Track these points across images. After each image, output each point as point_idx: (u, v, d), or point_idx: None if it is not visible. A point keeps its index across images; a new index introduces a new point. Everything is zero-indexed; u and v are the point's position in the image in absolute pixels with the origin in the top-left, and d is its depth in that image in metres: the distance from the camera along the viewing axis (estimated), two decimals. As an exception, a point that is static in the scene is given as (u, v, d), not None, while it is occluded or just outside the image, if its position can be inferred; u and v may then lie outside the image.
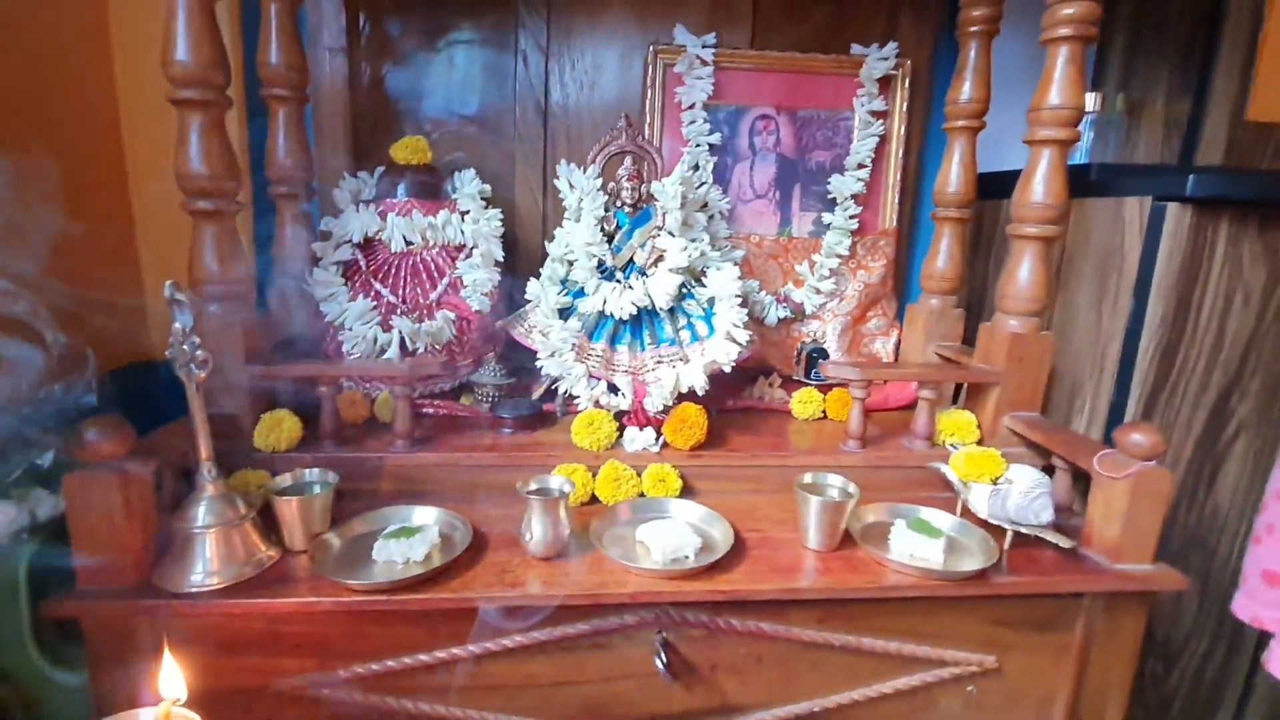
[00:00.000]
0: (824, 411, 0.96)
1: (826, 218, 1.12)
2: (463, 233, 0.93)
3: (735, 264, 1.05)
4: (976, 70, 0.94)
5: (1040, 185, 0.78)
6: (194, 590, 0.60)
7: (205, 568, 0.61)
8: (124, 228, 1.01)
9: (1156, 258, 0.80)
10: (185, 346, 0.59)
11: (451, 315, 0.89)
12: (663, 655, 0.63)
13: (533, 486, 0.67)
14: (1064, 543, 0.69)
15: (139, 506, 0.60)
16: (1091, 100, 1.10)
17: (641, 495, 0.77)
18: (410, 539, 0.64)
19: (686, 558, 0.65)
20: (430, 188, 0.97)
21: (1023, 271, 0.81)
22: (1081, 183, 0.91)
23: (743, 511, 0.76)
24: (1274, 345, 0.84)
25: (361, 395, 0.87)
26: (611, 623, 0.64)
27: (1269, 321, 0.83)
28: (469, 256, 0.93)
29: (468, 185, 0.97)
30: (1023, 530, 0.70)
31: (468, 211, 0.94)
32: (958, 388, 0.97)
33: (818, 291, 1.12)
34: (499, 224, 0.95)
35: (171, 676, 0.48)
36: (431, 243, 0.92)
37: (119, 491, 0.58)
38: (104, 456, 0.59)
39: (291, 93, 0.91)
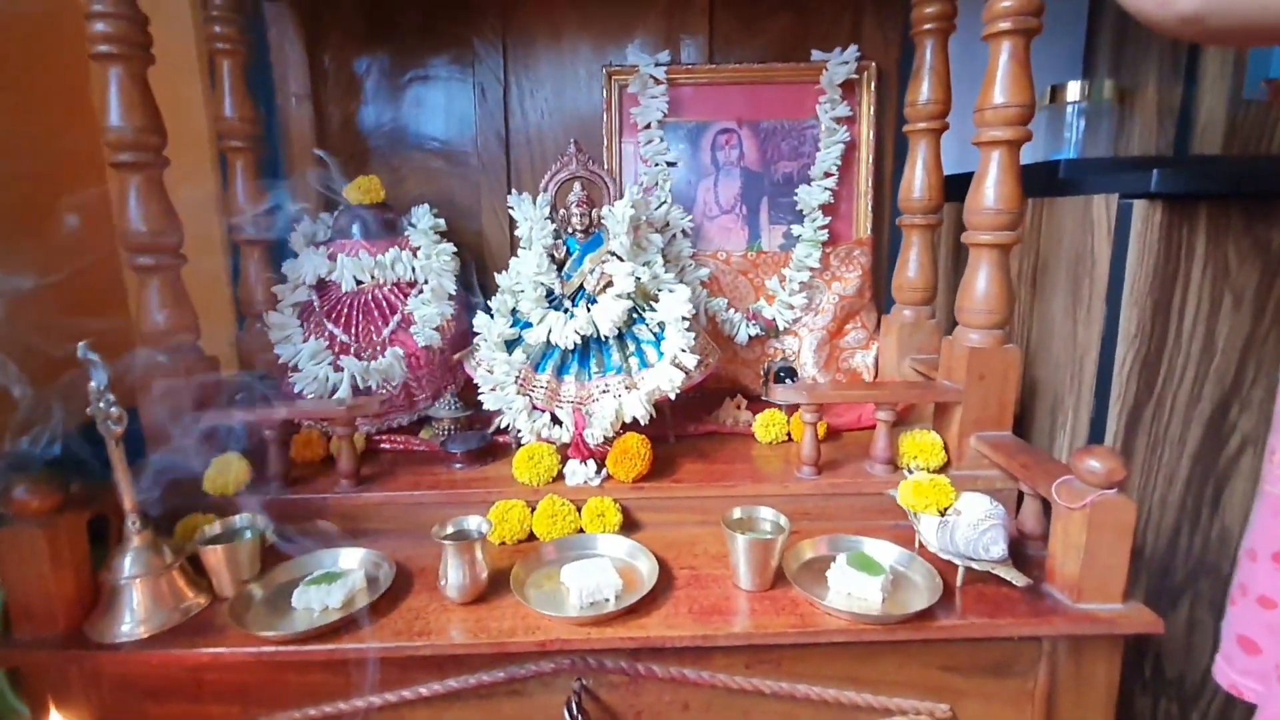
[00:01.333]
0: (788, 434, 0.92)
1: (796, 229, 1.08)
2: (412, 269, 0.94)
3: (698, 283, 1.04)
4: (934, 70, 0.89)
5: (991, 189, 0.73)
6: (120, 641, 0.61)
7: (133, 617, 0.62)
8: (115, 281, 1.06)
9: (1126, 259, 0.73)
10: (101, 404, 0.61)
11: (400, 352, 0.90)
12: (573, 708, 0.61)
13: (449, 530, 0.66)
14: (1018, 580, 0.63)
15: (69, 558, 0.62)
16: (1077, 89, 1.03)
17: (580, 532, 0.76)
18: (330, 585, 0.64)
19: (606, 600, 0.63)
20: (387, 225, 0.98)
21: (980, 281, 0.76)
22: (1051, 181, 0.85)
23: (681, 545, 0.74)
24: (1277, 350, 0.76)
25: (319, 434, 0.89)
26: (528, 669, 0.62)
27: (1268, 324, 0.75)
28: (420, 293, 0.94)
29: (420, 221, 0.98)
30: (974, 566, 0.65)
31: (420, 247, 0.95)
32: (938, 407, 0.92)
33: (789, 306, 1.08)
34: (450, 258, 0.96)
35: (61, 734, 0.49)
36: (382, 280, 0.93)
37: (46, 544, 0.61)
38: (31, 512, 0.61)
39: (246, 143, 0.94)
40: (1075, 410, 0.82)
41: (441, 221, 1.00)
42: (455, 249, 0.98)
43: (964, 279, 0.77)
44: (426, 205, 1.01)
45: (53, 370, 0.81)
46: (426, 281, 0.94)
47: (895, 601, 0.63)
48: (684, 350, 0.84)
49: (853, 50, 1.03)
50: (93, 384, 0.61)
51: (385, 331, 0.92)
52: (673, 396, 0.83)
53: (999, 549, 0.63)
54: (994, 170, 0.73)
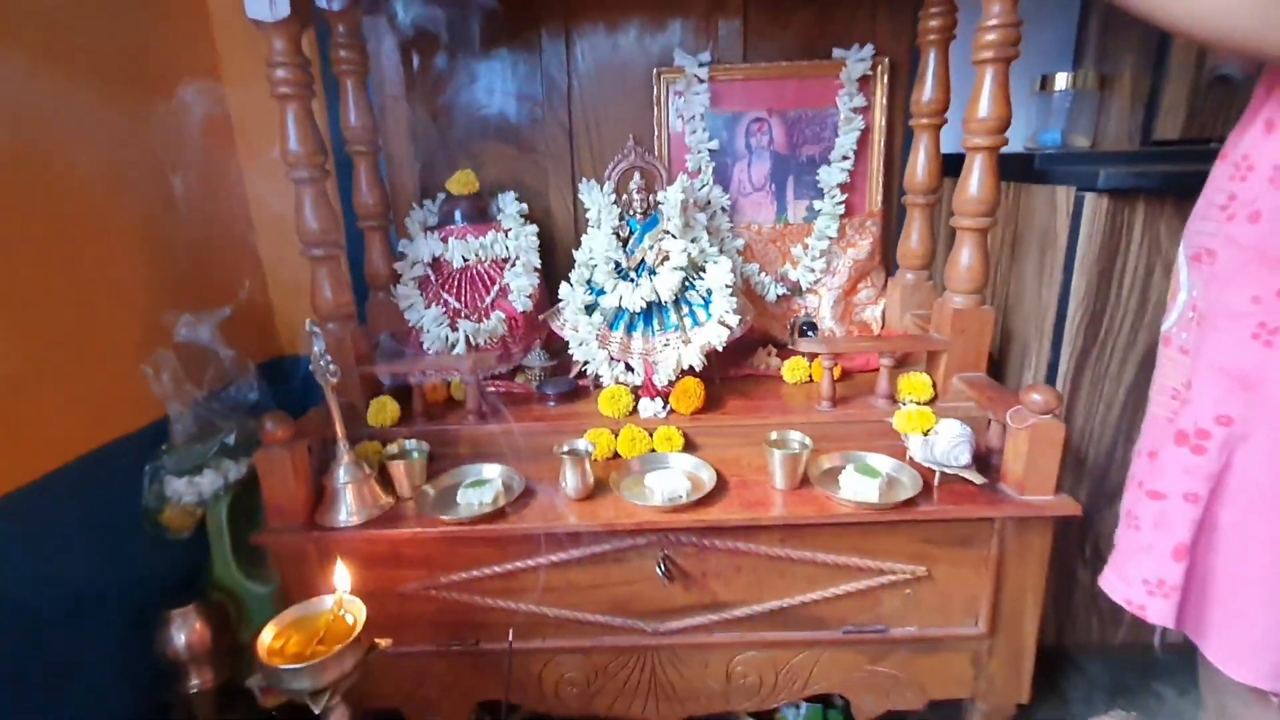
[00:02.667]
0: (810, 376, 1.15)
1: (817, 204, 1.28)
2: (507, 248, 1.16)
3: (736, 252, 1.25)
4: (936, 74, 1.07)
5: (975, 184, 0.93)
6: (341, 526, 0.88)
7: (347, 510, 0.89)
8: (256, 269, 1.30)
9: (1079, 239, 0.94)
10: (322, 363, 0.86)
11: (502, 315, 1.14)
12: (662, 566, 0.87)
13: (565, 448, 0.91)
14: (976, 479, 0.87)
15: (302, 470, 0.89)
16: (1064, 79, 1.20)
17: (652, 451, 1.01)
18: (482, 488, 0.91)
19: (680, 497, 0.88)
20: (480, 210, 1.20)
21: (964, 256, 0.97)
22: (1027, 170, 1.04)
23: (730, 461, 0.98)
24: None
25: (442, 382, 1.14)
26: (626, 543, 0.88)
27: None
28: (513, 267, 1.17)
29: (509, 207, 1.20)
30: (947, 471, 0.89)
31: (509, 229, 1.17)
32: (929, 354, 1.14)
33: (811, 270, 1.29)
34: (534, 238, 1.18)
35: (342, 575, 0.76)
36: (483, 258, 1.16)
37: (290, 463, 0.87)
38: (277, 440, 0.87)
39: (368, 147, 1.16)
40: (1038, 355, 1.04)
41: (525, 206, 1.22)
42: (537, 229, 1.20)
43: (951, 254, 0.98)
44: (512, 193, 1.22)
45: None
46: (517, 258, 1.17)
47: (889, 496, 0.88)
48: (728, 312, 1.06)
49: (869, 49, 1.20)
50: (315, 349, 0.85)
51: (488, 299, 1.16)
52: (720, 349, 1.06)
53: (966, 458, 0.87)
54: (977, 170, 0.92)
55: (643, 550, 0.89)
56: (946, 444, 0.88)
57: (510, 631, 0.85)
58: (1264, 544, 0.66)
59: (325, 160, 0.97)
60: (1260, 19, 0.55)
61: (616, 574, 0.90)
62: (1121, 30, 1.16)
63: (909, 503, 0.86)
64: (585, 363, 1.10)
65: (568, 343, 1.11)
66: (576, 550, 0.88)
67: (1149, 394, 0.77)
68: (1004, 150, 0.91)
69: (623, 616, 0.92)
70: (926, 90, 1.08)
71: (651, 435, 1.02)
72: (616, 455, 1.01)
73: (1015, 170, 1.06)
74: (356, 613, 0.73)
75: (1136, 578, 0.76)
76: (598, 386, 1.13)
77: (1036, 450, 0.84)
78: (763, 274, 1.30)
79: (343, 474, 0.89)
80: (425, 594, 0.91)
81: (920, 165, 1.12)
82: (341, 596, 0.75)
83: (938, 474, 0.90)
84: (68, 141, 0.90)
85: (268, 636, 0.71)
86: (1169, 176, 0.89)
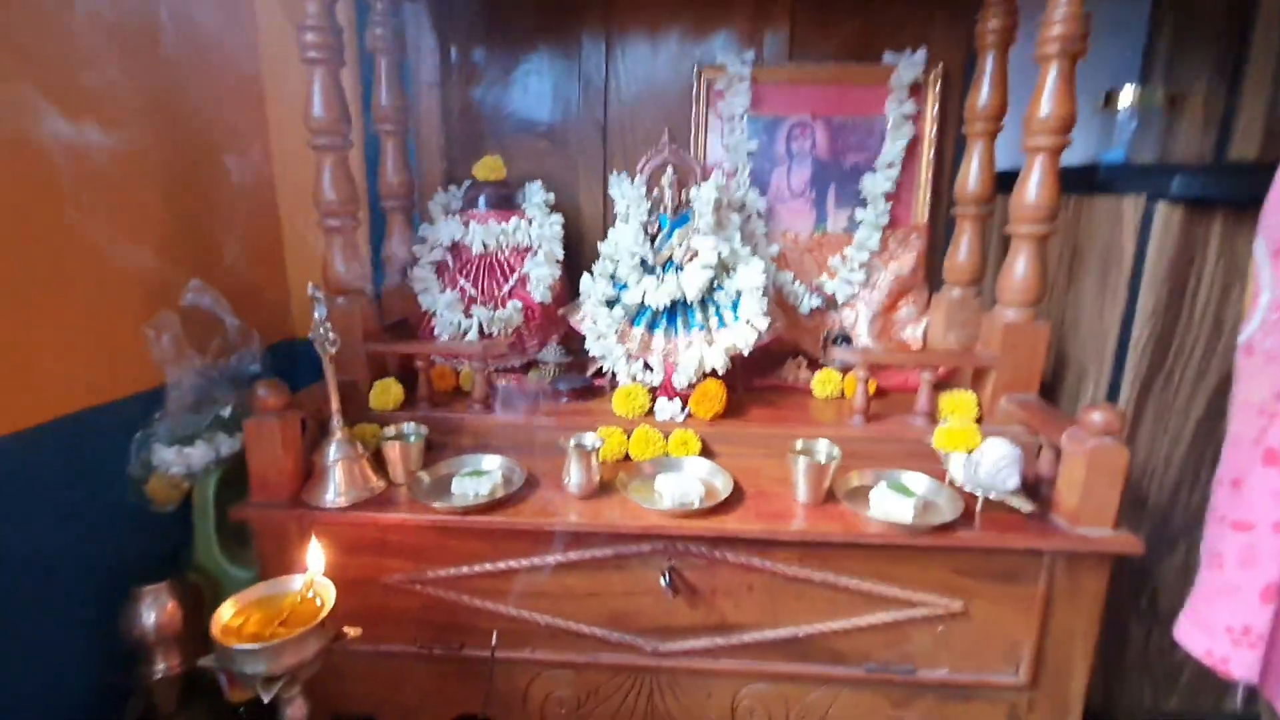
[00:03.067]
0: (842, 392, 1.07)
1: (859, 214, 1.22)
2: (529, 236, 1.12)
3: (769, 260, 1.19)
4: (993, 78, 1.01)
5: (1033, 188, 0.86)
6: (328, 506, 0.82)
7: (336, 490, 0.83)
8: (276, 243, 1.28)
9: (1146, 253, 0.85)
10: (322, 330, 0.81)
11: (519, 305, 1.09)
12: (667, 577, 0.79)
13: (572, 441, 0.84)
14: (1025, 506, 0.78)
15: (292, 443, 0.84)
16: (1130, 94, 1.13)
17: (666, 454, 0.93)
18: (479, 478, 0.84)
19: (692, 503, 0.81)
20: (505, 198, 1.16)
21: (1018, 266, 0.89)
22: (1091, 182, 0.97)
23: (749, 471, 0.90)
24: None
25: (450, 369, 1.08)
26: (629, 549, 0.81)
27: (1274, 312, 0.86)
28: (534, 256, 1.12)
29: (534, 196, 1.16)
30: (991, 495, 0.80)
31: (533, 218, 1.13)
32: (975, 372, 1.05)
33: (849, 283, 1.22)
34: (559, 228, 1.13)
35: (316, 556, 0.70)
36: (504, 245, 1.12)
37: (279, 432, 0.82)
38: (269, 407, 0.82)
39: (396, 127, 1.14)
40: (1097, 380, 0.95)
41: (551, 196, 1.18)
42: (563, 219, 1.16)
43: (1005, 264, 0.90)
44: (539, 182, 1.18)
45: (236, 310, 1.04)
46: (540, 247, 1.12)
47: (924, 518, 0.79)
48: (757, 314, 1.00)
49: (921, 53, 1.15)
50: (316, 314, 0.81)
51: (506, 287, 1.11)
52: (746, 353, 0.99)
53: (1014, 481, 0.78)
54: (1037, 172, 0.85)
55: (647, 558, 0.81)
56: (992, 464, 0.79)
57: (494, 635, 0.77)
58: None
59: (348, 130, 0.94)
60: None
61: (617, 582, 0.82)
62: (1194, 44, 1.09)
63: (946, 527, 0.77)
64: (602, 359, 1.04)
65: (585, 340, 1.06)
66: (575, 553, 0.81)
67: (1229, 413, 0.68)
68: (1064, 164, 0.84)
69: (620, 631, 0.84)
70: (983, 94, 1.02)
71: (667, 438, 0.95)
72: (628, 458, 0.95)
73: (1076, 182, 0.99)
74: (326, 596, 0.67)
75: (1219, 625, 0.67)
76: (614, 386, 1.07)
77: (1095, 477, 0.75)
78: (797, 283, 1.23)
79: (334, 451, 0.84)
80: (410, 588, 0.85)
81: (973, 174, 1.05)
82: (312, 578, 0.69)
83: (980, 498, 0.81)
84: (84, 88, 0.88)
85: (226, 612, 0.65)
86: (1251, 186, 0.80)
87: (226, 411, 1.01)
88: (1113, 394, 0.92)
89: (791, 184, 1.25)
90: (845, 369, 1.11)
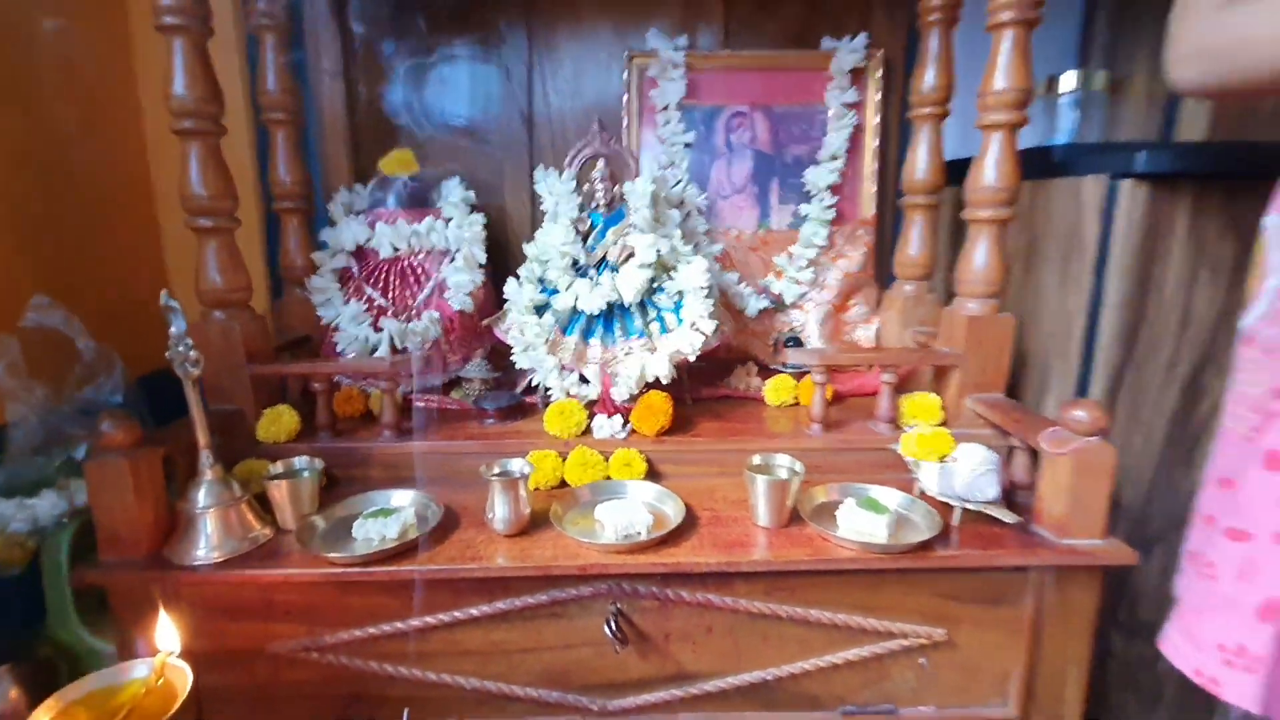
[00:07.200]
0: (796, 399, 0.99)
1: (804, 209, 1.14)
2: (447, 238, 0.99)
3: (712, 260, 1.10)
4: (938, 59, 0.95)
5: (991, 169, 0.79)
6: (197, 564, 0.67)
7: (207, 543, 0.68)
8: (154, 249, 1.11)
9: (1112, 236, 0.80)
10: (180, 348, 0.67)
11: (436, 315, 0.96)
12: (612, 624, 0.68)
13: (495, 470, 0.72)
14: (1008, 518, 0.70)
15: (149, 488, 0.68)
16: (1073, 78, 1.09)
17: (607, 479, 0.82)
18: (386, 519, 0.71)
19: (638, 533, 0.70)
20: (419, 196, 1.04)
21: (978, 255, 0.82)
22: (1045, 164, 0.92)
23: (702, 493, 0.80)
24: (1247, 319, 0.83)
25: (358, 391, 0.94)
26: (568, 593, 0.69)
27: (1242, 295, 0.82)
28: (453, 260, 1.00)
29: (451, 193, 1.03)
30: (969, 506, 0.72)
31: (451, 218, 1.01)
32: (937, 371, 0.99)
33: (797, 282, 1.14)
34: (480, 229, 1.01)
35: (167, 632, 0.56)
36: (417, 248, 0.99)
37: (129, 475, 0.66)
38: (116, 445, 0.67)
39: (287, 116, 1.00)
40: (1062, 375, 0.89)
41: (472, 194, 1.06)
42: (485, 220, 1.04)
43: (963, 252, 0.84)
44: (458, 178, 1.06)
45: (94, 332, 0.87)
46: (459, 250, 1.00)
47: (900, 537, 0.70)
48: (703, 316, 0.90)
49: (862, 38, 1.09)
50: (173, 329, 0.66)
51: (421, 296, 0.98)
52: (692, 359, 0.89)
53: (994, 490, 0.71)
54: (994, 151, 0.79)
55: (588, 603, 0.69)
56: (969, 473, 0.71)
57: (405, 713, 0.63)
58: None
59: (219, 112, 0.80)
60: None
61: (553, 634, 0.70)
62: (1133, 26, 1.07)
63: (925, 546, 0.68)
64: (532, 373, 0.93)
65: (512, 352, 0.94)
66: (503, 602, 0.68)
67: (1225, 407, 0.62)
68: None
69: (561, 690, 0.71)
70: (928, 77, 0.96)
71: (608, 459, 0.83)
72: (564, 485, 0.83)
73: (1029, 167, 0.93)
74: (180, 683, 0.53)
75: (1209, 641, 0.60)
76: (547, 403, 0.95)
77: (1081, 481, 0.68)
78: (742, 284, 1.14)
79: (203, 495, 0.69)
80: (304, 656, 0.70)
81: (921, 161, 0.99)
82: (163, 661, 0.54)
83: (957, 511, 0.73)
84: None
85: (43, 718, 0.49)
86: (1217, 162, 0.76)
87: (81, 452, 0.85)
88: (1082, 390, 0.86)
89: (732, 178, 1.16)
90: (800, 374, 1.02)
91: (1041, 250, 0.94)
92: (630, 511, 0.71)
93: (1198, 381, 0.85)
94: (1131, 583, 0.90)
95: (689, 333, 0.89)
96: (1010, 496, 0.78)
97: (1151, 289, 0.81)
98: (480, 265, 1.01)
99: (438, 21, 1.15)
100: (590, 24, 1.16)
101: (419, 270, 0.99)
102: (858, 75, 1.11)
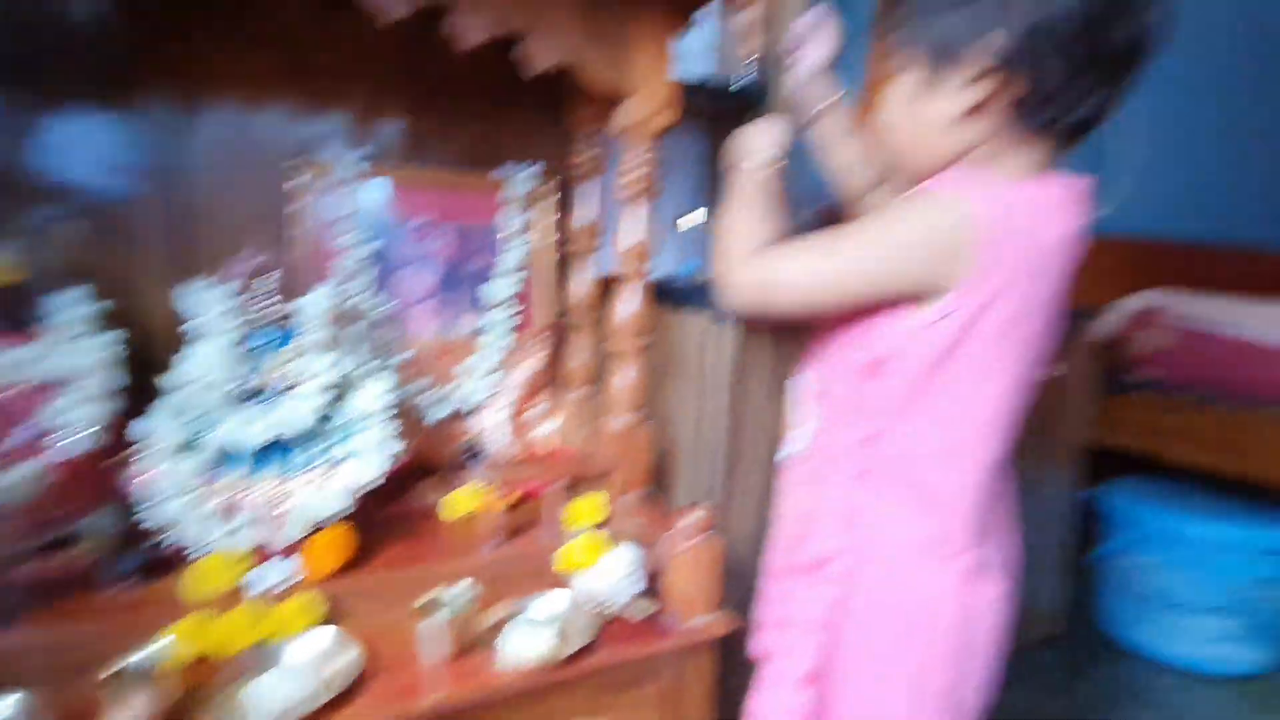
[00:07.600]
0: (476, 509, 1.04)
1: (485, 319, 1.22)
2: (56, 367, 0.84)
3: (394, 371, 1.11)
4: (589, 202, 1.12)
5: (625, 310, 0.96)
6: None
7: None
8: None
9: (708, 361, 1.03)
10: None
11: (40, 466, 0.80)
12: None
13: (113, 670, 0.63)
14: (645, 612, 0.85)
15: None
16: (699, 214, 1.36)
17: (271, 638, 0.77)
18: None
19: (298, 713, 0.67)
20: (14, 314, 0.86)
21: (620, 378, 0.99)
22: (671, 296, 1.14)
23: (386, 632, 0.79)
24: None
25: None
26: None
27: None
28: (67, 392, 0.84)
29: (65, 310, 0.88)
30: (615, 610, 0.85)
31: (63, 342, 0.86)
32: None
33: (479, 389, 1.21)
34: (108, 353, 0.88)
35: None
36: (12, 382, 0.82)
37: None
38: None
39: None
40: (695, 470, 1.11)
41: (96, 308, 0.90)
42: (118, 337, 0.90)
43: (607, 374, 1.00)
44: (78, 288, 0.90)
45: None
46: (77, 378, 0.85)
47: (560, 648, 0.78)
48: (388, 439, 0.91)
49: (536, 167, 1.21)
50: None
51: (11, 442, 0.81)
52: (375, 486, 0.89)
53: (637, 587, 0.85)
54: (628, 295, 0.97)
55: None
56: (615, 578, 0.84)
57: None
58: None
59: None
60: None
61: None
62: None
63: (584, 651, 0.79)
64: (169, 528, 0.82)
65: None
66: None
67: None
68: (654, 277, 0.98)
69: None
70: (578, 217, 1.12)
71: (277, 612, 0.78)
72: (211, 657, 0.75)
73: (662, 296, 1.15)
74: None
75: None
76: (194, 556, 0.85)
77: (695, 572, 0.85)
78: (427, 392, 1.17)
79: None
80: None
81: (580, 287, 1.15)
82: None
83: (607, 613, 0.85)
84: None
85: None
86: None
87: None
88: (710, 484, 1.08)
89: (417, 287, 1.19)
90: (482, 485, 1.09)
91: (676, 366, 1.15)
92: (290, 682, 0.68)
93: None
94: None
95: (373, 459, 0.89)
96: (656, 581, 0.93)
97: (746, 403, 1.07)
98: (106, 396, 0.87)
99: (59, 78, 0.95)
100: (260, 112, 1.07)
101: (14, 408, 0.82)
102: (534, 198, 1.23)
